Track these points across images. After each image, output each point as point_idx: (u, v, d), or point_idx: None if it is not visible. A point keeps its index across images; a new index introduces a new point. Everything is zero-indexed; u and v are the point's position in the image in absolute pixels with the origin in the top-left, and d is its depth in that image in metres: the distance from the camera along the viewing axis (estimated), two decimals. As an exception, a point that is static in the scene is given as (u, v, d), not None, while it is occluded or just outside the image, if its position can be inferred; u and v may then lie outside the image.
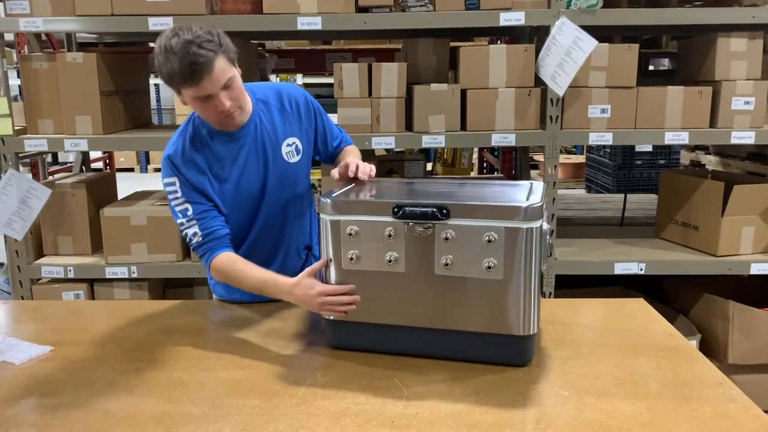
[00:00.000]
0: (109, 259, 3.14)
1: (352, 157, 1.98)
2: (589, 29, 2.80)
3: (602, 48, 2.90)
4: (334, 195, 1.68)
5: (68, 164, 6.51)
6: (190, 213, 1.83)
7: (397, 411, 1.41)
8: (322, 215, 1.65)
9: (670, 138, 2.95)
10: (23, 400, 1.49)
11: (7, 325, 1.99)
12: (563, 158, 9.48)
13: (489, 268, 1.54)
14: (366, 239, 1.62)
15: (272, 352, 1.72)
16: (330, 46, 4.14)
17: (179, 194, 1.83)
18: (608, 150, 7.68)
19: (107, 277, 3.14)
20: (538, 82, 2.96)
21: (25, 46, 3.73)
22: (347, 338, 1.71)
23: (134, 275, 3.14)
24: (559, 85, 2.86)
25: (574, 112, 2.97)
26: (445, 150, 5.88)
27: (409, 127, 3.05)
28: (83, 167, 3.90)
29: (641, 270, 3.06)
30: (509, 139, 3.00)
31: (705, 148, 4.58)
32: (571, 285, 3.41)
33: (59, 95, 3.03)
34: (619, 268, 3.06)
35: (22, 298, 3.17)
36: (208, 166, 1.85)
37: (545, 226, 1.59)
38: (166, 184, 1.85)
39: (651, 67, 4.21)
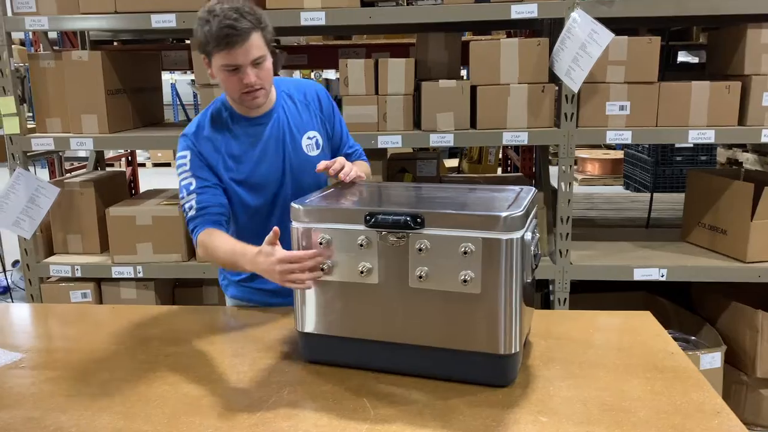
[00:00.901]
0: (115, 258, 3.12)
1: (357, 167, 1.90)
2: (607, 21, 2.64)
3: (621, 41, 2.73)
4: (306, 201, 1.59)
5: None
6: (192, 187, 1.81)
7: (358, 435, 1.32)
8: (293, 222, 1.57)
9: (694, 136, 2.77)
10: (-22, 413, 1.45)
11: (-11, 329, 1.97)
12: (601, 154, 9.20)
13: (465, 281, 1.43)
14: (338, 248, 1.52)
15: (244, 365, 1.64)
16: (343, 41, 4.05)
17: (187, 167, 1.82)
18: (646, 146, 7.40)
19: (113, 276, 3.13)
20: (553, 77, 2.82)
21: (41, 45, 3.74)
22: (321, 352, 1.62)
23: (140, 275, 3.11)
24: (573, 81, 2.71)
25: (590, 109, 2.81)
26: (471, 147, 5.73)
27: (417, 125, 2.94)
28: (98, 165, 3.90)
29: (662, 276, 2.88)
30: (521, 138, 2.86)
31: (742, 145, 4.34)
32: (593, 289, 3.26)
33: (66, 94, 3.02)
34: (639, 274, 2.89)
35: (32, 297, 3.18)
36: (224, 145, 1.85)
37: (528, 236, 1.47)
38: (178, 158, 1.84)
39: (686, 60, 3.98)
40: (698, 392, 1.46)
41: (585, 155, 9.11)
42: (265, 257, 1.55)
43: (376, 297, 1.52)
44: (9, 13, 2.94)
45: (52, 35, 4.06)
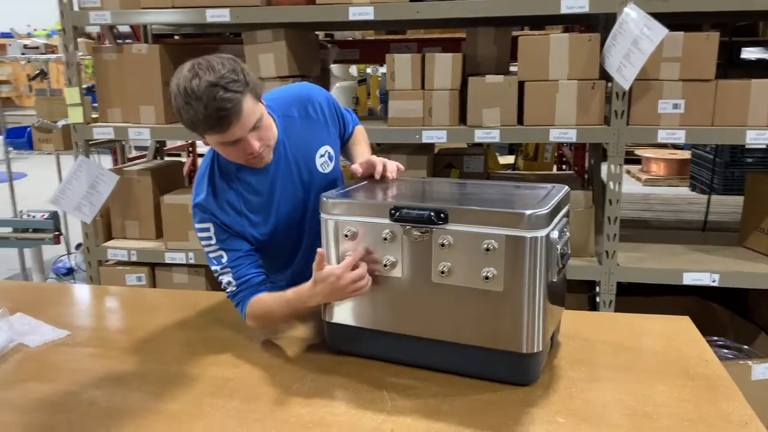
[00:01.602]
0: (169, 244, 3.25)
1: (363, 145, 1.87)
2: (664, 17, 2.55)
3: (676, 37, 2.64)
4: (336, 194, 1.62)
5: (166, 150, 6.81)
6: (224, 261, 1.69)
7: (372, 425, 1.34)
8: (322, 214, 1.60)
9: (753, 137, 2.65)
10: (20, 384, 1.54)
11: (35, 306, 2.07)
12: (667, 154, 8.88)
13: (487, 278, 1.43)
14: (364, 241, 1.54)
15: (273, 351, 1.69)
16: (396, 36, 4.06)
17: (213, 241, 1.70)
18: (713, 146, 7.10)
19: (166, 262, 3.25)
20: (604, 74, 2.75)
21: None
22: (345, 342, 1.65)
23: (191, 261, 3.23)
24: (624, 78, 2.64)
25: (642, 106, 2.73)
26: (527, 144, 5.64)
27: (464, 120, 2.93)
28: (158, 155, 4.05)
29: (714, 282, 2.78)
30: (569, 135, 2.81)
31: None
32: (645, 293, 3.17)
33: (125, 85, 3.15)
34: (689, 278, 2.80)
35: (91, 278, 3.34)
36: (244, 203, 1.72)
37: (554, 235, 1.45)
38: (199, 230, 1.70)
39: (750, 57, 3.81)
40: (728, 402, 1.41)
41: (650, 155, 8.82)
42: (323, 283, 1.51)
43: (399, 290, 1.53)
44: (76, 8, 3.08)
45: (125, 29, 4.23)
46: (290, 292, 1.62)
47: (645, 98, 2.72)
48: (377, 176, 1.75)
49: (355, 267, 1.51)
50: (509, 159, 6.68)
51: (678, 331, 1.78)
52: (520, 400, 1.43)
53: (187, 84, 1.46)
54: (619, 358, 1.62)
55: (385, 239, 1.51)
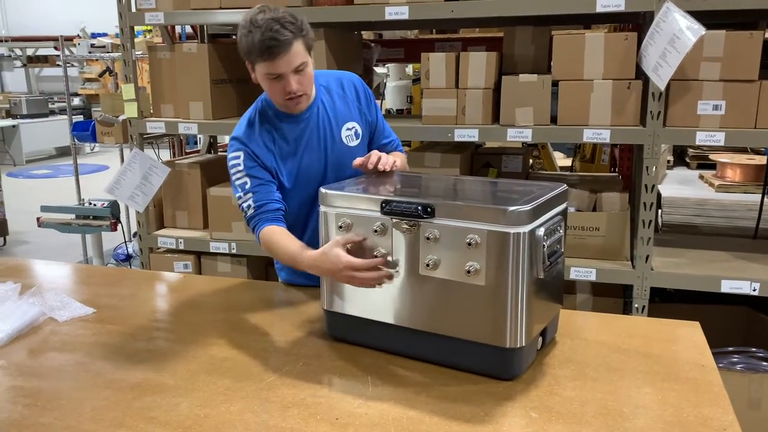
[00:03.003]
0: (214, 234, 3.40)
1: (397, 159, 1.95)
2: (701, 15, 2.47)
3: (717, 36, 2.55)
4: (333, 187, 1.68)
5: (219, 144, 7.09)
6: (248, 186, 1.87)
7: (348, 409, 1.40)
8: (320, 206, 1.66)
9: (798, 140, 2.53)
10: (42, 354, 1.68)
11: (73, 285, 2.25)
12: (744, 159, 8.46)
13: (469, 272, 1.45)
14: (357, 231, 1.60)
15: (273, 336, 1.77)
16: (439, 35, 4.07)
17: (241, 167, 1.88)
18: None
19: (211, 251, 3.40)
20: (640, 73, 2.69)
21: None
22: (341, 330, 1.71)
23: (233, 251, 3.37)
24: (660, 78, 2.57)
25: (680, 107, 2.65)
26: (584, 145, 5.52)
27: (498, 119, 2.93)
28: (212, 149, 4.23)
29: (754, 290, 2.67)
30: (603, 135, 2.76)
31: None
32: (693, 300, 3.06)
33: (176, 82, 3.32)
34: (727, 286, 2.69)
35: (142, 264, 3.54)
36: (273, 142, 1.92)
37: (540, 232, 1.46)
38: (230, 159, 1.90)
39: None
40: (711, 407, 1.38)
41: (725, 159, 8.43)
42: (330, 261, 1.58)
43: (390, 282, 1.58)
44: (133, 9, 3.28)
45: (179, 28, 4.44)
46: (297, 247, 1.74)
47: (683, 99, 2.64)
48: (370, 166, 1.82)
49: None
50: (567, 162, 6.56)
51: (682, 336, 1.74)
52: (498, 394, 1.45)
53: (254, 16, 1.74)
54: (611, 359, 1.61)
55: (376, 231, 1.56)
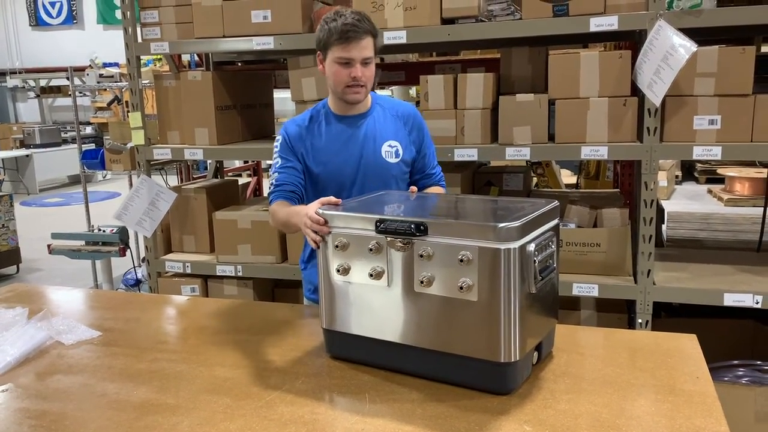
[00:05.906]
0: (220, 258, 3.44)
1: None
2: (694, 32, 2.52)
3: (710, 52, 2.59)
4: (330, 208, 1.72)
5: (227, 169, 7.18)
6: (277, 165, 2.13)
7: (346, 426, 1.42)
8: (318, 226, 1.70)
9: (794, 153, 2.55)
10: (48, 377, 1.72)
11: (80, 309, 2.29)
12: (753, 172, 8.44)
13: (461, 288, 1.48)
14: (353, 252, 1.63)
15: (275, 355, 1.80)
16: (440, 57, 4.13)
17: (278, 149, 2.15)
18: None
19: (218, 274, 3.45)
20: (635, 90, 2.73)
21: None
22: (339, 348, 1.74)
23: (239, 274, 3.41)
24: (655, 94, 2.60)
25: (676, 123, 2.68)
26: (588, 162, 5.55)
27: (496, 139, 2.97)
28: (218, 174, 4.30)
29: (757, 303, 2.67)
30: (601, 152, 2.79)
31: None
32: (700, 314, 3.06)
33: (182, 109, 3.39)
34: (729, 300, 2.70)
35: (150, 288, 3.59)
36: (310, 137, 2.13)
37: (531, 247, 1.49)
38: (275, 142, 2.17)
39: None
40: (704, 419, 1.39)
41: (733, 174, 8.42)
42: (304, 210, 1.76)
43: (385, 299, 1.61)
44: (139, 39, 3.37)
45: (188, 57, 4.54)
46: (294, 208, 1.98)
47: (679, 114, 2.67)
48: None
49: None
50: (572, 179, 6.57)
51: (678, 349, 1.76)
52: (493, 408, 1.47)
53: (341, 9, 2.02)
54: (606, 372, 1.63)
55: (371, 249, 1.59)
